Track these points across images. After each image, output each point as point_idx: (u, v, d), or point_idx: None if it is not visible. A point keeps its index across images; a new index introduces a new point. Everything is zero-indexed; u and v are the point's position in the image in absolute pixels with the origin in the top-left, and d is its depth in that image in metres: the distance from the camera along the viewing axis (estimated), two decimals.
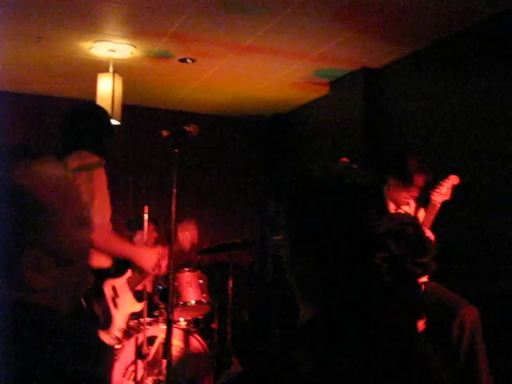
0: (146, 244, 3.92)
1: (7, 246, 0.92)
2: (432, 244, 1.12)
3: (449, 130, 4.66)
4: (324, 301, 1.12)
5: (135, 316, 4.17)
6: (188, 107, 6.85)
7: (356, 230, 1.07)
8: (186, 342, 4.09)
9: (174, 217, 2.97)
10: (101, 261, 2.96)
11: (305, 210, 1.13)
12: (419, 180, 3.49)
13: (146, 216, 3.90)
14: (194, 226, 3.51)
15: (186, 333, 4.10)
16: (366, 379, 1.00)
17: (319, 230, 1.10)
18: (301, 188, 1.15)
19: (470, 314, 3.36)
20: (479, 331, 3.35)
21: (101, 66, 5.21)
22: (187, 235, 3.45)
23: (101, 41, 4.89)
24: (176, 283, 4.20)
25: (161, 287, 4.34)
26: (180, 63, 5.41)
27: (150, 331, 3.92)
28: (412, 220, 1.12)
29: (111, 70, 5.13)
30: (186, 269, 4.50)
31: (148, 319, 3.94)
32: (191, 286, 4.36)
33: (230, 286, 4.71)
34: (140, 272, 3.28)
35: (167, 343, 3.05)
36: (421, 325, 3.49)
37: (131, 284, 3.28)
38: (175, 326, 3.95)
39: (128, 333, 3.99)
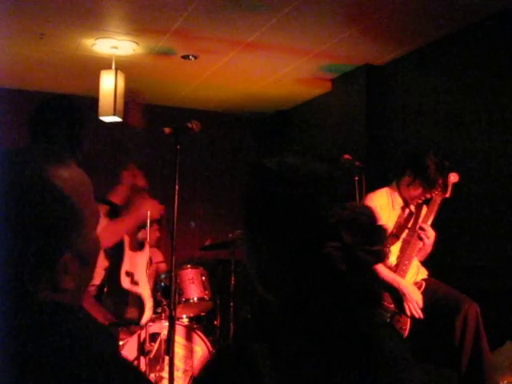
0: (149, 243, 3.92)
1: (44, 248, 0.93)
2: (385, 232, 1.12)
3: (451, 126, 4.65)
4: (279, 293, 1.12)
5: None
6: (190, 104, 6.84)
7: (306, 220, 1.08)
8: (188, 338, 4.09)
9: (176, 213, 2.98)
10: None
11: (257, 203, 1.14)
12: (439, 183, 3.50)
13: (148, 213, 3.90)
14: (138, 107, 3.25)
15: (189, 329, 4.11)
16: (324, 376, 1.00)
17: (271, 221, 1.11)
18: (254, 181, 1.17)
19: (472, 310, 3.37)
20: (482, 328, 3.36)
21: (103, 63, 5.20)
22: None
23: (103, 38, 4.89)
24: (178, 280, 4.20)
25: (163, 284, 4.34)
26: (182, 60, 5.40)
27: (153, 328, 3.92)
28: (365, 209, 1.11)
29: (113, 66, 5.13)
30: (189, 266, 4.50)
31: None
32: (193, 282, 4.37)
33: (232, 282, 4.71)
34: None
35: (170, 340, 3.05)
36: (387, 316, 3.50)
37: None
38: (178, 322, 3.95)
39: (130, 330, 4.00)
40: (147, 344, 3.81)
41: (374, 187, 3.74)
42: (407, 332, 3.48)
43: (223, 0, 4.13)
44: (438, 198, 3.59)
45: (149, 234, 3.96)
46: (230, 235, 4.74)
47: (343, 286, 1.08)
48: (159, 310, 4.23)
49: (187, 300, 4.32)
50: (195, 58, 5.34)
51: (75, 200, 0.97)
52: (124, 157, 3.08)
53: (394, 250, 3.64)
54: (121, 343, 3.86)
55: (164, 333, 3.88)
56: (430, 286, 3.58)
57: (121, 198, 3.40)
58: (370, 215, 1.11)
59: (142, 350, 3.84)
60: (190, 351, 4.08)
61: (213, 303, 4.58)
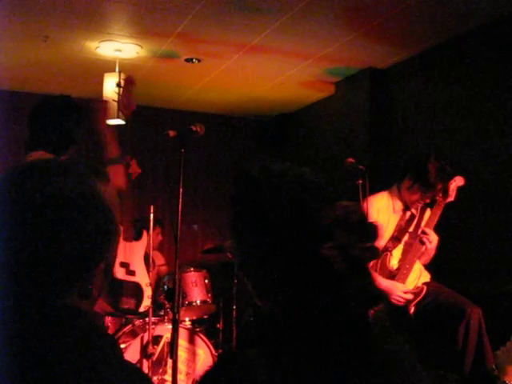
0: (152, 246, 3.94)
1: (85, 257, 0.97)
2: (376, 228, 1.12)
3: (454, 130, 4.65)
4: (276, 300, 1.12)
5: (141, 316, 4.19)
6: (194, 107, 6.85)
7: (298, 224, 1.07)
8: (191, 341, 4.09)
9: (180, 216, 2.98)
10: None
11: (245, 210, 1.13)
12: (438, 188, 3.47)
13: (151, 216, 3.92)
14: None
15: (191, 332, 4.11)
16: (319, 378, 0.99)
17: (262, 229, 1.10)
18: (240, 188, 1.16)
19: (475, 314, 3.36)
20: (485, 332, 3.35)
21: (107, 66, 5.21)
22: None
23: (107, 40, 4.90)
24: (181, 283, 4.20)
25: (166, 287, 4.34)
26: (186, 63, 5.41)
27: (156, 331, 3.92)
28: (355, 207, 1.11)
29: (117, 69, 5.14)
30: (192, 268, 4.50)
31: (153, 319, 3.95)
32: (196, 285, 4.37)
33: (235, 285, 4.71)
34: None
35: (173, 343, 3.05)
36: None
37: None
38: (180, 325, 3.95)
39: (133, 332, 4.00)
40: (150, 347, 3.80)
41: (377, 191, 3.73)
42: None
43: (227, 3, 4.13)
44: (441, 201, 3.58)
45: (152, 237, 3.97)
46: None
47: (342, 288, 1.08)
48: (162, 313, 4.23)
49: (190, 303, 4.32)
50: (199, 61, 5.35)
51: (114, 215, 1.02)
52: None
53: (396, 254, 3.62)
54: (123, 346, 3.86)
55: (167, 336, 3.88)
56: (432, 290, 3.57)
57: None
58: (359, 213, 1.11)
59: (144, 353, 3.84)
60: (192, 354, 4.08)
61: (215, 306, 4.58)
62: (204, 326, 4.59)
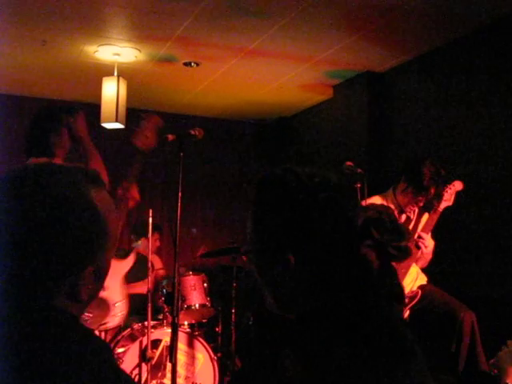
0: (150, 251, 3.95)
1: (72, 259, 0.98)
2: (407, 228, 1.15)
3: (452, 134, 4.66)
4: (312, 298, 1.12)
5: (140, 319, 4.18)
6: (192, 111, 6.86)
7: (335, 224, 1.09)
8: (190, 345, 4.09)
9: (179, 220, 2.98)
10: None
11: (274, 213, 1.12)
12: (431, 192, 3.47)
13: (150, 219, 3.92)
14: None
15: (190, 336, 4.11)
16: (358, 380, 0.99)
17: (295, 231, 1.10)
18: (268, 192, 1.15)
19: (468, 319, 3.37)
20: (478, 336, 3.36)
21: (105, 70, 5.22)
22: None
23: (105, 44, 4.90)
24: (180, 287, 4.20)
25: (165, 291, 4.34)
26: (184, 67, 5.42)
27: (154, 334, 3.92)
28: (384, 208, 1.14)
29: (116, 73, 5.15)
30: (190, 272, 4.50)
31: (152, 322, 3.95)
32: (195, 289, 4.37)
33: (234, 289, 4.70)
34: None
35: (173, 347, 3.05)
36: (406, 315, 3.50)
37: None
38: (179, 329, 3.95)
39: (132, 336, 4.00)
40: (149, 351, 3.80)
41: (375, 194, 3.74)
42: None
43: (225, 7, 4.14)
44: (438, 206, 3.58)
45: (150, 242, 3.97)
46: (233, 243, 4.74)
47: (376, 286, 1.10)
48: (161, 317, 4.23)
49: (189, 307, 4.32)
50: (197, 64, 5.36)
51: (107, 221, 1.03)
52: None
53: None
54: (122, 350, 3.86)
55: (166, 339, 3.88)
56: (426, 293, 3.57)
57: None
58: (391, 215, 1.14)
59: (143, 357, 3.83)
60: (191, 358, 4.08)
61: (214, 310, 4.57)
62: (203, 330, 4.59)
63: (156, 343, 3.94)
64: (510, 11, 4.11)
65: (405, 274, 3.56)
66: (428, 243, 3.55)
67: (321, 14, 4.21)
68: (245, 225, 1.17)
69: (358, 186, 3.54)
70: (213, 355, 4.11)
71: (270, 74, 5.63)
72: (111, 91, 5.04)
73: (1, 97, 6.09)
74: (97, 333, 3.89)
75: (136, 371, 3.82)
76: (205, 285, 4.45)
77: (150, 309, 3.87)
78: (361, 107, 5.52)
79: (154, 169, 6.79)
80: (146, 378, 3.80)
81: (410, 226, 3.66)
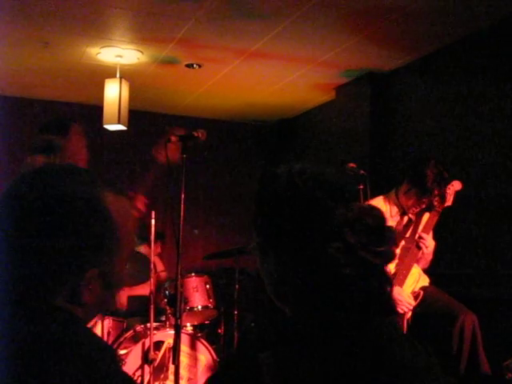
0: (153, 253, 3.96)
1: (74, 258, 0.98)
2: (392, 233, 1.10)
3: (455, 135, 4.66)
4: (288, 301, 1.11)
5: (142, 321, 4.19)
6: (194, 112, 6.86)
7: (310, 222, 1.06)
8: (193, 347, 4.09)
9: (182, 222, 2.98)
10: None
11: (265, 208, 1.13)
12: (434, 193, 3.46)
13: (153, 221, 3.92)
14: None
15: (193, 338, 4.10)
16: None
17: (278, 225, 1.10)
18: (262, 187, 1.15)
19: (469, 321, 3.35)
20: (479, 338, 3.34)
21: (108, 72, 5.22)
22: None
23: (108, 46, 4.91)
24: (182, 288, 4.20)
25: (167, 292, 4.34)
26: (187, 69, 5.42)
27: (157, 336, 3.92)
28: (373, 211, 1.09)
29: (118, 75, 5.15)
30: (193, 274, 4.50)
31: (155, 324, 3.94)
32: (198, 291, 4.36)
33: (236, 290, 4.70)
34: None
35: (176, 349, 3.04)
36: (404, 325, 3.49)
37: None
38: (182, 331, 3.95)
39: (135, 338, 4.00)
40: (151, 352, 3.80)
41: (378, 195, 3.73)
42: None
43: (227, 9, 4.14)
44: (438, 207, 3.57)
45: (152, 244, 3.98)
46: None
47: (351, 291, 1.05)
48: (163, 319, 4.23)
49: (191, 308, 4.31)
50: (199, 66, 5.36)
51: (116, 225, 1.01)
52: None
53: None
54: (125, 351, 3.86)
55: (168, 341, 3.88)
56: (428, 295, 3.56)
57: None
58: (377, 216, 1.08)
59: (146, 359, 3.83)
60: (194, 359, 4.07)
61: (217, 311, 4.57)
62: (205, 332, 4.58)
63: (158, 345, 3.93)
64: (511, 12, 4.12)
65: (406, 275, 3.55)
66: (428, 243, 3.54)
67: (323, 15, 4.21)
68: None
69: (361, 187, 3.54)
70: (215, 357, 4.10)
71: (272, 76, 5.63)
72: (113, 93, 5.05)
73: (3, 98, 6.10)
74: (99, 333, 3.90)
75: (138, 373, 3.82)
76: (207, 286, 4.45)
77: (152, 310, 3.86)
78: (363, 108, 5.52)
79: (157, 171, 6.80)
80: (149, 380, 3.79)
81: (411, 227, 3.65)
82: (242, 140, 7.34)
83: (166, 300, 4.28)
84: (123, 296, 4.32)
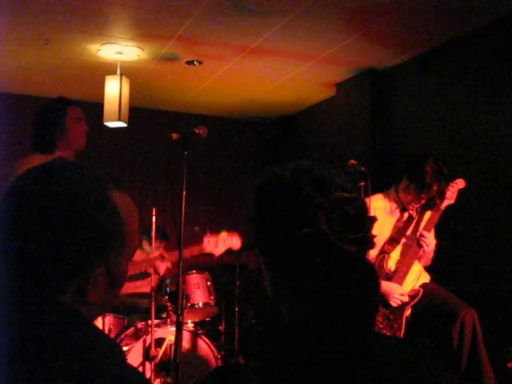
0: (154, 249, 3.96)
1: (83, 256, 0.97)
2: (369, 221, 1.08)
3: (455, 131, 4.65)
4: (281, 302, 1.11)
5: (143, 318, 4.19)
6: (195, 109, 6.86)
7: (286, 211, 1.06)
8: (194, 343, 4.09)
9: (183, 219, 2.98)
10: None
11: (255, 203, 1.13)
12: (433, 189, 3.45)
13: (153, 218, 3.92)
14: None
15: (194, 335, 4.11)
16: None
17: (263, 218, 1.10)
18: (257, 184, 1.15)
19: (469, 317, 3.35)
20: (480, 334, 3.34)
21: (108, 69, 5.22)
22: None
23: (108, 43, 4.91)
24: (184, 285, 4.20)
25: (168, 289, 4.34)
26: (187, 65, 5.42)
27: (158, 333, 3.92)
28: (355, 201, 1.08)
29: (118, 72, 5.15)
30: (194, 271, 4.50)
31: (156, 321, 3.95)
32: (199, 288, 4.36)
33: (237, 287, 4.70)
34: None
35: (177, 345, 3.05)
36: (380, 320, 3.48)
37: None
38: (183, 328, 3.95)
39: (136, 334, 4.00)
40: (153, 349, 3.80)
41: (379, 192, 3.73)
42: (402, 334, 3.47)
43: (228, 6, 4.14)
44: (440, 204, 3.56)
45: (154, 242, 3.99)
46: None
47: (331, 285, 1.03)
48: (164, 315, 4.23)
49: (192, 305, 4.32)
50: (200, 63, 5.36)
51: (124, 223, 1.01)
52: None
53: (394, 256, 3.60)
54: (126, 348, 3.86)
55: (169, 338, 3.88)
56: (428, 292, 3.55)
57: None
58: (358, 206, 1.06)
59: (147, 356, 3.83)
60: (194, 356, 4.08)
61: (218, 308, 4.57)
62: (206, 328, 4.59)
63: (160, 342, 3.94)
64: (511, 10, 4.11)
65: (406, 272, 3.55)
66: (430, 241, 3.54)
67: (323, 12, 4.21)
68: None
69: (362, 184, 3.53)
70: (216, 353, 4.10)
71: (272, 73, 5.62)
72: (114, 90, 5.04)
73: (3, 95, 6.09)
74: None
75: (140, 370, 3.83)
76: (208, 283, 4.45)
77: (153, 307, 3.87)
78: (364, 105, 5.52)
79: (156, 168, 6.80)
80: (150, 377, 3.80)
81: (412, 224, 3.65)
82: (242, 137, 7.33)
83: (167, 297, 4.28)
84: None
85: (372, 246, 1.07)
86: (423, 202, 3.53)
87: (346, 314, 1.03)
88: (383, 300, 3.46)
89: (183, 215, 2.97)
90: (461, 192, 3.64)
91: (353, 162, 3.67)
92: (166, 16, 4.34)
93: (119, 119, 5.02)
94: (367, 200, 3.51)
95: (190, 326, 4.27)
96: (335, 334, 1.01)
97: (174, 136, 3.04)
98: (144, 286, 4.57)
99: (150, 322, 3.86)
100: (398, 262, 3.59)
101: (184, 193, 2.95)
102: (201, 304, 4.35)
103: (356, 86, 5.63)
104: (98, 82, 5.19)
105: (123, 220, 1.01)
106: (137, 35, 4.76)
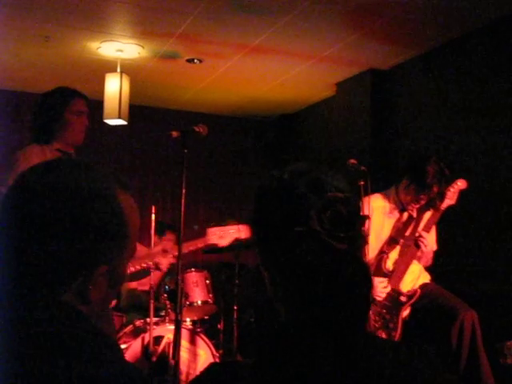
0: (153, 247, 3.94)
1: (86, 253, 0.97)
2: (361, 220, 1.10)
3: (457, 132, 4.65)
4: (279, 302, 1.12)
5: (142, 316, 4.19)
6: (195, 107, 6.85)
7: (280, 210, 1.08)
8: (192, 342, 4.09)
9: (183, 217, 2.98)
10: None
11: (258, 206, 1.15)
12: (433, 190, 3.44)
13: (153, 216, 3.92)
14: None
15: (192, 333, 4.11)
16: None
17: (261, 218, 1.13)
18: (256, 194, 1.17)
19: (468, 318, 3.34)
20: (479, 335, 3.34)
21: (108, 66, 5.22)
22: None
23: (108, 41, 4.90)
24: (183, 284, 4.20)
25: (167, 287, 4.34)
26: (187, 63, 5.41)
27: (157, 331, 3.92)
28: (349, 200, 1.08)
29: (119, 69, 5.14)
30: (193, 269, 4.51)
31: (154, 319, 3.95)
32: (198, 286, 4.37)
33: (236, 286, 4.71)
34: None
35: (176, 344, 3.05)
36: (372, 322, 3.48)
37: None
38: (182, 326, 3.95)
39: (134, 332, 4.00)
40: (151, 347, 3.81)
41: (378, 192, 3.73)
42: (399, 334, 3.47)
43: (229, 4, 4.14)
44: (440, 205, 3.55)
45: (153, 239, 3.98)
46: None
47: (322, 284, 1.04)
48: (163, 313, 4.23)
49: (191, 303, 4.32)
50: (200, 61, 5.35)
51: (128, 224, 1.02)
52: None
53: (393, 256, 3.60)
54: (124, 346, 3.87)
55: (168, 336, 3.89)
56: (427, 292, 3.55)
57: None
58: (350, 205, 1.08)
59: (145, 353, 3.84)
60: (193, 355, 4.08)
61: (217, 307, 4.58)
62: (205, 327, 4.59)
63: (158, 340, 3.94)
64: None
65: (404, 272, 3.55)
66: (428, 242, 3.53)
67: (324, 11, 4.21)
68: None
69: (362, 183, 3.53)
70: (214, 352, 4.11)
71: (273, 71, 5.62)
72: (114, 87, 5.04)
73: (3, 92, 6.09)
74: None
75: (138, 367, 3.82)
76: (207, 281, 4.46)
77: (152, 305, 3.87)
78: (364, 105, 5.51)
79: (156, 166, 6.80)
80: (148, 375, 3.80)
81: (412, 225, 3.64)
82: (242, 135, 7.33)
83: (165, 295, 4.28)
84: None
85: (363, 243, 1.09)
86: (423, 202, 3.53)
87: (338, 310, 1.04)
88: (387, 304, 3.46)
89: (183, 213, 2.97)
90: (464, 190, 3.64)
91: (353, 161, 3.67)
92: (167, 14, 4.33)
93: (119, 117, 5.02)
94: (366, 199, 3.51)
95: (189, 324, 4.28)
96: (327, 332, 1.02)
97: (174, 134, 3.03)
98: (143, 284, 4.58)
99: (148, 319, 3.87)
100: (396, 262, 3.59)
101: (184, 191, 2.95)
102: (199, 302, 4.36)
103: (356, 85, 5.62)
104: (98, 79, 5.19)
105: (127, 220, 1.02)
106: (137, 33, 4.75)
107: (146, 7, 4.26)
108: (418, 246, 3.52)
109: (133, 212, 1.04)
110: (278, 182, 1.11)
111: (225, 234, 3.36)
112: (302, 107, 6.86)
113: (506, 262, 4.12)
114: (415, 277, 3.64)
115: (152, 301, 3.89)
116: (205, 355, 4.09)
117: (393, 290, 3.53)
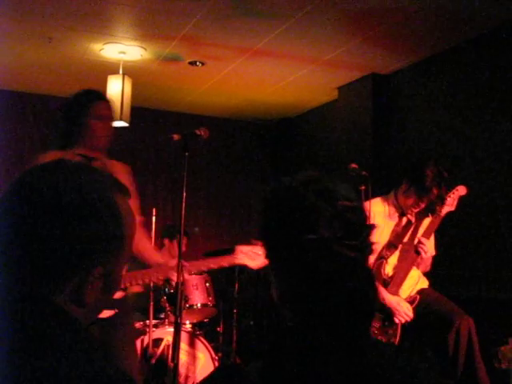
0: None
1: (83, 256, 0.98)
2: (368, 228, 1.12)
3: (458, 137, 4.66)
4: (287, 307, 1.13)
5: (141, 318, 4.19)
6: (197, 110, 6.86)
7: (291, 218, 1.10)
8: (192, 344, 4.09)
9: (183, 220, 2.98)
10: None
11: (265, 212, 1.16)
12: (433, 193, 3.44)
13: (153, 218, 3.93)
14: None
15: (192, 336, 4.11)
16: None
17: (270, 226, 1.14)
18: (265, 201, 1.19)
19: (464, 325, 3.33)
20: (475, 342, 3.33)
21: (111, 68, 5.23)
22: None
23: (111, 43, 4.91)
24: (182, 286, 4.20)
25: (167, 290, 4.34)
26: (190, 66, 5.42)
27: (156, 333, 3.92)
28: (355, 209, 1.11)
29: (121, 71, 5.15)
30: (193, 272, 4.50)
31: (154, 321, 3.95)
32: (197, 288, 4.37)
33: (236, 289, 4.70)
34: None
35: (175, 346, 3.04)
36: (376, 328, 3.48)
37: None
38: (181, 328, 3.95)
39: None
40: (150, 349, 3.80)
41: (379, 196, 3.73)
42: (398, 340, 3.46)
43: (231, 7, 4.14)
44: (440, 211, 3.54)
45: (153, 240, 3.98)
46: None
47: (331, 289, 1.07)
48: (162, 316, 4.23)
49: (191, 306, 4.32)
50: (202, 64, 5.36)
51: (125, 226, 1.03)
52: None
53: (392, 261, 3.59)
54: None
55: (167, 338, 3.89)
56: (425, 299, 3.54)
57: None
58: (359, 213, 1.11)
59: (144, 356, 3.83)
60: (192, 357, 4.08)
61: (216, 309, 4.57)
62: (204, 330, 4.59)
63: (157, 342, 3.94)
64: None
65: (403, 278, 3.54)
66: (427, 248, 3.52)
67: (326, 15, 4.21)
68: None
69: (363, 188, 3.53)
70: (214, 355, 4.11)
71: (274, 75, 5.63)
72: (116, 89, 5.05)
73: (6, 93, 6.10)
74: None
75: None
76: (207, 284, 4.45)
77: (151, 307, 3.87)
78: (365, 109, 5.52)
79: (157, 168, 6.80)
80: (147, 377, 3.80)
81: (411, 230, 3.63)
82: (243, 138, 7.34)
83: (165, 297, 4.28)
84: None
85: (371, 251, 1.12)
86: (422, 206, 3.52)
87: (345, 315, 1.06)
88: (387, 310, 3.45)
89: (183, 216, 2.97)
90: (463, 196, 3.64)
91: (354, 165, 3.67)
92: (170, 16, 4.34)
93: (121, 119, 5.02)
94: (367, 204, 3.51)
95: (188, 326, 4.27)
96: (334, 336, 1.04)
97: (175, 137, 3.03)
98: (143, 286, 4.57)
99: (147, 322, 3.87)
100: (396, 268, 3.58)
101: (184, 194, 2.95)
102: (199, 305, 4.35)
103: (358, 89, 5.63)
104: (101, 81, 5.19)
105: (124, 223, 1.02)
106: (140, 35, 4.76)
107: (149, 9, 4.27)
108: (418, 253, 3.51)
109: (130, 216, 1.05)
110: (288, 190, 1.13)
111: (255, 256, 3.07)
112: (304, 111, 6.87)
113: (503, 267, 4.12)
114: (414, 282, 3.63)
115: (151, 303, 3.89)
116: (204, 358, 4.09)
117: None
